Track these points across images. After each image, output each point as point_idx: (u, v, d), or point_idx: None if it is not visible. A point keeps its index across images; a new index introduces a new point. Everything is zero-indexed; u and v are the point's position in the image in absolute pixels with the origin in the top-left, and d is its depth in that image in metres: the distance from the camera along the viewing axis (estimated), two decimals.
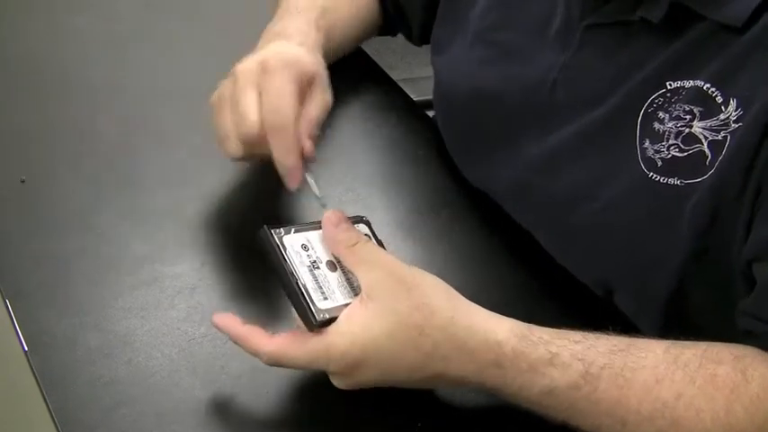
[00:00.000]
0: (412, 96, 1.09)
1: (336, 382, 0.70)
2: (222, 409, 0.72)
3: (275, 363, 0.70)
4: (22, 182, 0.88)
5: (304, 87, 0.84)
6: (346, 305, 0.70)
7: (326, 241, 0.73)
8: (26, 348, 0.73)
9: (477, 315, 0.70)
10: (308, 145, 0.82)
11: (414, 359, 0.68)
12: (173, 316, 0.78)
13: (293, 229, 0.72)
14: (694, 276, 0.74)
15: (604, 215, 0.78)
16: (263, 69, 0.82)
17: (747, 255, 0.70)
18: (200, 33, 1.14)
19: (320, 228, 0.73)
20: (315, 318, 0.68)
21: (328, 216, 0.73)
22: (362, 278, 0.70)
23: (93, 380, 0.72)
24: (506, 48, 0.88)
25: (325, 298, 0.70)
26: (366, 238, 0.74)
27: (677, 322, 0.76)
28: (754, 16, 0.70)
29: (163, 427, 0.70)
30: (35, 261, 0.81)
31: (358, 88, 1.02)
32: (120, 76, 1.04)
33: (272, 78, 0.81)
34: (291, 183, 0.82)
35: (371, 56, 1.10)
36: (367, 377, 0.69)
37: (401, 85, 1.10)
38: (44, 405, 0.70)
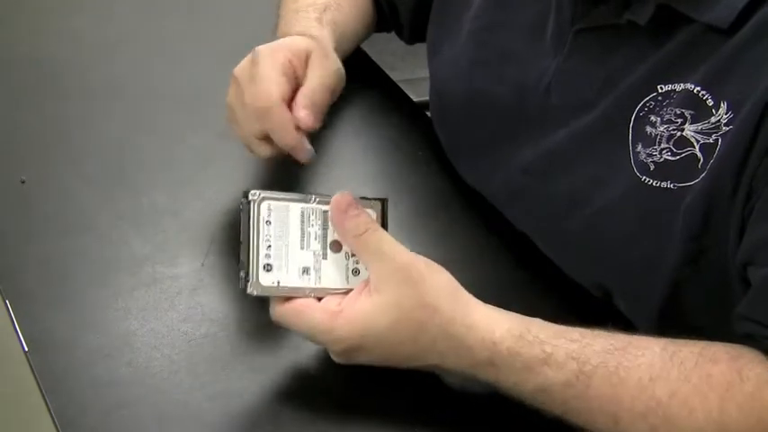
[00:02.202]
0: (412, 97, 1.09)
1: (334, 358, 0.72)
2: (222, 410, 0.72)
3: (280, 321, 0.71)
4: (23, 182, 0.88)
5: (298, 66, 0.84)
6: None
7: (334, 227, 0.73)
8: (26, 348, 0.73)
9: (478, 314, 0.71)
10: (302, 115, 0.82)
11: (411, 350, 0.70)
12: (173, 317, 0.78)
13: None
14: (690, 279, 0.74)
15: (598, 218, 0.78)
16: (253, 63, 0.83)
17: (741, 258, 0.70)
18: (200, 33, 1.14)
19: (304, 201, 0.72)
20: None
21: (337, 200, 0.72)
22: (370, 269, 0.71)
23: (93, 380, 0.72)
24: (500, 49, 0.87)
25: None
26: (375, 224, 0.72)
27: (674, 324, 0.76)
28: (743, 17, 0.70)
29: (163, 427, 0.70)
30: (35, 261, 0.81)
31: (358, 89, 1.02)
32: (120, 76, 1.04)
33: (257, 68, 0.82)
34: (301, 158, 0.83)
35: (372, 57, 1.10)
36: (363, 360, 0.71)
37: (401, 85, 1.10)
38: (44, 405, 0.70)
